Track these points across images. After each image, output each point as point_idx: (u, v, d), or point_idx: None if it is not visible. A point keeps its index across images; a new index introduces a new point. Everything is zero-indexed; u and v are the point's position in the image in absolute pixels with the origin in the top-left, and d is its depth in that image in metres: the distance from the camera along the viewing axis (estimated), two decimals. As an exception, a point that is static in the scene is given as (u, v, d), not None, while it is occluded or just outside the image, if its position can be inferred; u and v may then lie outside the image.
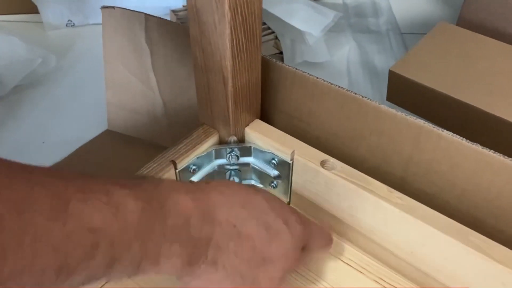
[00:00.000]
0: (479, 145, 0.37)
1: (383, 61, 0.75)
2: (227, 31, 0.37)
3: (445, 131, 0.38)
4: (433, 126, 0.38)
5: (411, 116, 0.39)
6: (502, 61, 0.54)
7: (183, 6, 0.83)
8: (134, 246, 0.25)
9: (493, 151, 0.36)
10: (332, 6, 0.91)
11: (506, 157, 0.36)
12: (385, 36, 0.81)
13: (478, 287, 0.36)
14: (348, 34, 0.81)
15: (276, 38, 0.74)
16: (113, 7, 0.51)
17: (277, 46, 0.74)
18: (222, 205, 0.30)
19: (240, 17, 0.37)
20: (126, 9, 0.51)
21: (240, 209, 0.31)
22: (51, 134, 0.63)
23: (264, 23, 0.77)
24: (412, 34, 0.81)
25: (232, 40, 0.38)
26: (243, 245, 0.30)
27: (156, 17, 0.50)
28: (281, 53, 0.74)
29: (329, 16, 0.75)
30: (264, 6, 0.78)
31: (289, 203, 0.47)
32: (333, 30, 0.80)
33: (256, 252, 0.31)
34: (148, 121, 0.59)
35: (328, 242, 0.39)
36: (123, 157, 0.59)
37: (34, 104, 0.68)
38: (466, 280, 0.36)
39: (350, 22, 0.85)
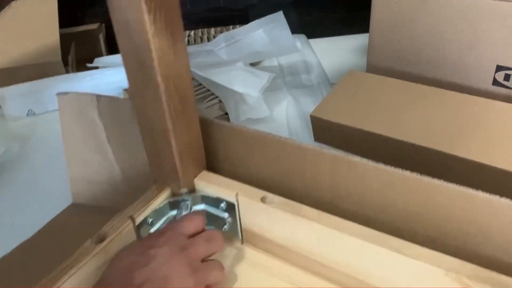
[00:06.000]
0: (382, 164, 0.45)
1: (318, 110, 0.83)
2: (164, 98, 0.45)
3: (354, 157, 0.46)
4: (345, 154, 0.46)
5: (325, 149, 0.47)
6: (402, 96, 0.64)
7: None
8: None
9: (393, 167, 0.44)
10: (269, 68, 1.02)
11: (404, 170, 0.43)
12: (317, 89, 0.91)
13: (403, 284, 0.42)
14: (284, 90, 0.91)
15: (220, 101, 0.83)
16: (67, 93, 0.58)
17: (222, 108, 0.83)
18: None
19: (173, 87, 0.45)
20: (79, 92, 0.58)
21: None
22: (20, 216, 0.67)
23: (208, 90, 0.86)
24: (341, 83, 0.92)
25: (168, 106, 0.45)
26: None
27: (106, 96, 0.58)
28: (226, 114, 0.83)
29: (264, 78, 0.85)
30: (207, 76, 0.88)
31: (242, 241, 0.53)
32: (271, 89, 0.90)
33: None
34: (109, 189, 0.64)
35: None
36: (90, 226, 0.63)
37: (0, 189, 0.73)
38: (393, 280, 0.42)
39: (286, 80, 0.96)
